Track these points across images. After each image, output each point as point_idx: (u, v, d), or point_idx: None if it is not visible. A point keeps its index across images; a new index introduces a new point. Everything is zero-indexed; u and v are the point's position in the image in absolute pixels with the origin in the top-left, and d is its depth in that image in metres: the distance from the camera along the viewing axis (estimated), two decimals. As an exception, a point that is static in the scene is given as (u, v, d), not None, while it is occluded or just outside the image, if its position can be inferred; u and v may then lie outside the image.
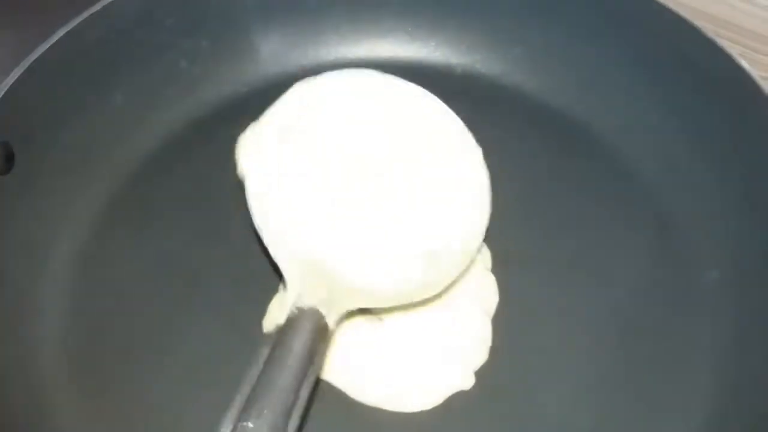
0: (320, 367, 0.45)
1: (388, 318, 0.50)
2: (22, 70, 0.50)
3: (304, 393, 0.42)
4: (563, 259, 0.53)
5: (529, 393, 0.48)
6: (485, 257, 0.52)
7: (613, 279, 0.52)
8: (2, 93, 0.49)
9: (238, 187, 0.56)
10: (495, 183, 0.55)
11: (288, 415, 0.41)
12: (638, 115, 0.58)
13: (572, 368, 0.49)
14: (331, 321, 0.45)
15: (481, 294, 0.51)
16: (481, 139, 0.58)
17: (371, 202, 0.49)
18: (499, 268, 0.52)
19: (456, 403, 0.48)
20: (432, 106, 0.53)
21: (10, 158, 0.49)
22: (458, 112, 0.59)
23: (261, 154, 0.50)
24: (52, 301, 0.51)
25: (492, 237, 0.52)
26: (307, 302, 0.45)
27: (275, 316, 0.50)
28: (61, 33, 0.52)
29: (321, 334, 0.44)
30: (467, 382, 0.48)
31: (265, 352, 0.43)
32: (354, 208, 0.49)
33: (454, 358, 0.49)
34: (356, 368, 0.48)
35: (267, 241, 0.49)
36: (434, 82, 0.60)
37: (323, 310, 0.45)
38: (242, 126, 0.58)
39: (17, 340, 0.48)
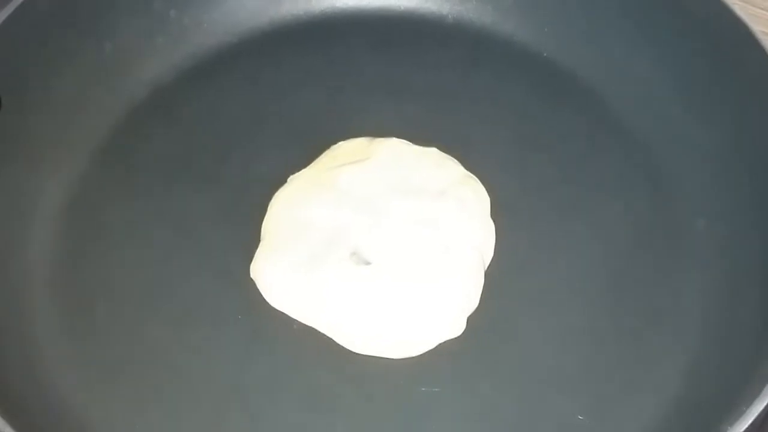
0: None
1: (377, 262, 0.50)
2: (7, 15, 0.49)
3: None
4: (555, 207, 0.53)
5: (518, 340, 0.48)
6: (485, 204, 0.52)
7: (604, 227, 0.52)
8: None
9: (226, 136, 0.56)
10: (488, 132, 0.56)
11: None
12: (629, 65, 0.58)
13: (562, 316, 0.49)
14: None
15: (477, 241, 0.51)
16: (471, 89, 0.58)
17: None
18: (494, 215, 0.52)
19: (446, 349, 0.48)
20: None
21: (-3, 100, 0.49)
22: (448, 63, 0.60)
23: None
24: (42, 247, 0.51)
25: (486, 184, 0.53)
26: None
27: (262, 263, 0.50)
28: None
29: None
30: (458, 328, 0.48)
31: None
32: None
33: (445, 305, 0.49)
34: (344, 314, 0.49)
35: None
36: (425, 30, 0.61)
37: None
38: (232, 77, 0.59)
39: (6, 288, 0.48)
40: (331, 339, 0.48)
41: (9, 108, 0.50)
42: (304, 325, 0.49)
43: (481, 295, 0.49)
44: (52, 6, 0.52)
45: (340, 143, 0.55)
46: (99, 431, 0.45)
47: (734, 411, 0.41)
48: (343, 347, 0.48)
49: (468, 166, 0.54)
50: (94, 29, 0.55)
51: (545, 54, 0.60)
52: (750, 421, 0.40)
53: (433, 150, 0.54)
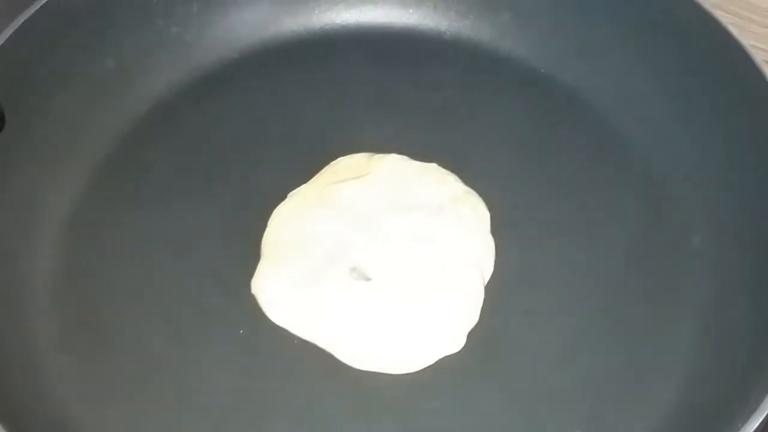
0: None
1: (377, 277, 0.50)
2: (11, 31, 0.50)
3: None
4: (554, 223, 0.53)
5: (517, 355, 0.49)
6: (484, 219, 0.53)
7: (602, 242, 0.53)
8: (-10, 54, 0.49)
9: (227, 151, 0.56)
10: (487, 147, 0.56)
11: None
12: (626, 81, 0.58)
13: (560, 330, 0.49)
14: None
15: (477, 257, 0.51)
16: (470, 105, 0.59)
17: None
18: (494, 231, 0.53)
19: (445, 365, 0.48)
20: None
21: (0, 118, 0.49)
22: (448, 79, 0.60)
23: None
24: (43, 261, 0.51)
25: (486, 200, 0.53)
26: None
27: (263, 278, 0.50)
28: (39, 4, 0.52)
29: None
30: (457, 344, 0.49)
31: None
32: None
33: (444, 320, 0.49)
34: (344, 330, 0.49)
35: None
36: (424, 47, 0.62)
37: None
38: (233, 93, 0.59)
39: (8, 299, 0.49)
40: (331, 354, 0.48)
41: (13, 123, 0.50)
42: (304, 340, 0.49)
43: (481, 310, 0.50)
44: (56, 23, 0.53)
45: (340, 159, 0.56)
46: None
47: (731, 424, 0.42)
48: (343, 363, 0.48)
49: (467, 181, 0.54)
50: (97, 46, 0.56)
51: (542, 70, 0.60)
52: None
53: (433, 166, 0.55)
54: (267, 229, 0.53)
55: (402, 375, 0.48)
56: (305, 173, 0.55)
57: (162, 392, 0.47)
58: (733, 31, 0.53)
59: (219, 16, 0.60)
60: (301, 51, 0.61)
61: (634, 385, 0.48)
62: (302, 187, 0.55)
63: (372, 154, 0.55)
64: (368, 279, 0.50)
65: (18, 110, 0.50)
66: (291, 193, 0.54)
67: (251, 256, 0.52)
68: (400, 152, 0.56)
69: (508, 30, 0.61)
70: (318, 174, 0.55)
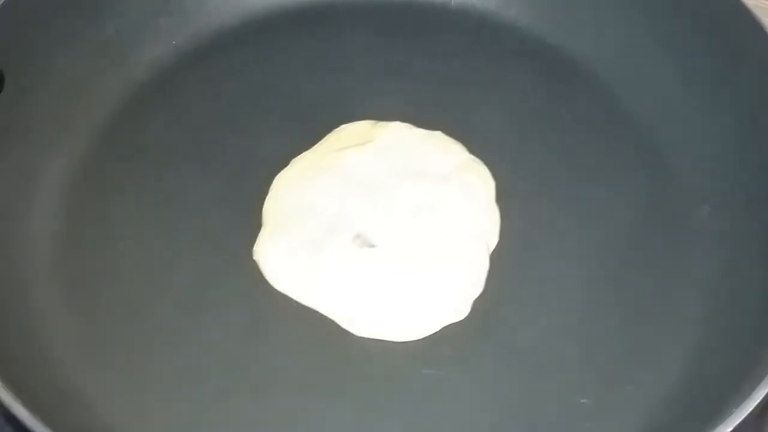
0: None
1: (381, 245, 0.50)
2: (11, -5, 0.49)
3: None
4: (560, 193, 0.53)
5: (522, 324, 0.48)
6: (490, 188, 0.52)
7: (608, 213, 0.52)
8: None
9: (228, 118, 0.56)
10: (492, 117, 0.56)
11: None
12: (633, 52, 0.58)
13: (564, 301, 0.49)
14: None
15: (482, 226, 0.51)
16: (475, 75, 0.58)
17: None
18: (499, 200, 0.52)
19: (449, 333, 0.48)
20: None
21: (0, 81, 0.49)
22: (453, 48, 0.60)
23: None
24: (44, 227, 0.51)
25: (490, 169, 0.53)
26: None
27: (265, 245, 0.50)
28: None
29: None
30: (462, 312, 0.48)
31: None
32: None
33: (449, 289, 0.49)
34: (347, 297, 0.49)
35: None
36: (429, 16, 0.61)
37: None
38: (234, 60, 0.58)
39: (10, 267, 0.48)
40: (333, 321, 0.48)
41: (12, 86, 0.49)
42: (307, 307, 0.49)
43: (486, 279, 0.49)
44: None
45: (344, 126, 0.55)
46: (101, 408, 0.45)
47: (736, 396, 0.41)
48: (346, 330, 0.48)
49: (472, 150, 0.54)
50: (97, 10, 0.55)
51: (548, 40, 0.60)
52: (751, 408, 0.40)
53: (438, 133, 0.54)
54: (269, 196, 0.52)
55: (405, 342, 0.48)
56: (308, 140, 0.55)
57: (164, 359, 0.47)
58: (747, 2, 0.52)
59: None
60: (305, 19, 0.60)
61: (640, 355, 0.48)
62: (305, 153, 0.54)
63: (376, 121, 0.55)
64: (372, 246, 0.50)
65: (18, 74, 0.50)
66: (293, 160, 0.54)
67: (253, 224, 0.51)
68: (404, 121, 0.55)
69: (513, 0, 0.61)
70: (321, 141, 0.55)
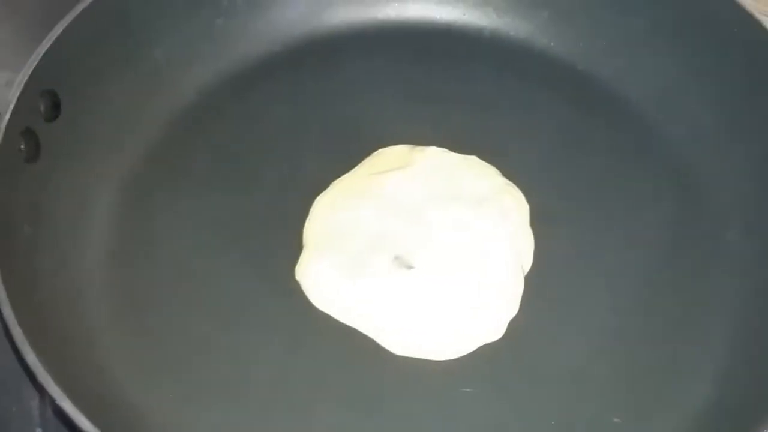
0: None
1: (420, 266, 0.51)
2: (67, 23, 0.51)
3: None
4: (591, 216, 0.54)
5: (556, 344, 0.50)
6: (524, 212, 0.54)
7: (638, 236, 0.54)
8: (49, 43, 0.50)
9: (269, 141, 0.58)
10: (524, 141, 0.58)
11: None
12: (662, 78, 0.59)
13: (598, 321, 0.51)
14: None
15: (517, 248, 0.52)
16: (508, 100, 0.60)
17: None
18: (533, 224, 0.54)
19: (485, 352, 0.49)
20: None
21: (57, 106, 0.51)
22: (485, 74, 0.61)
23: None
24: (94, 245, 0.53)
25: (527, 194, 0.55)
26: None
27: (307, 265, 0.52)
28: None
29: None
30: (497, 333, 0.50)
31: None
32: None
33: (485, 310, 0.50)
34: (386, 316, 0.50)
35: None
36: (462, 45, 0.63)
37: None
38: (275, 84, 0.60)
39: (65, 283, 0.50)
40: (372, 340, 0.50)
41: (67, 112, 0.52)
42: (347, 326, 0.50)
43: (521, 300, 0.51)
44: (108, 15, 0.54)
45: (381, 150, 0.57)
46: (149, 419, 0.47)
47: (764, 421, 0.43)
48: (384, 348, 0.50)
49: (506, 174, 0.55)
50: (145, 36, 0.57)
51: (579, 66, 0.61)
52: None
53: (473, 158, 0.56)
54: (309, 218, 0.54)
55: (442, 362, 0.49)
56: (346, 164, 0.56)
57: (207, 374, 0.49)
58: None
59: (263, 9, 0.61)
60: (342, 45, 0.62)
61: (670, 376, 0.49)
62: (343, 177, 0.56)
63: (413, 146, 0.57)
64: (411, 267, 0.51)
65: (72, 99, 0.52)
66: (333, 183, 0.55)
67: (294, 244, 0.53)
68: (439, 145, 0.57)
69: (545, 27, 0.62)
70: (359, 164, 0.56)
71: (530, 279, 0.52)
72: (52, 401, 0.41)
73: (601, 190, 0.56)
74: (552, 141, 0.58)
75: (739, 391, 0.48)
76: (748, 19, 0.54)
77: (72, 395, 0.41)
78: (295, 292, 0.51)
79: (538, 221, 0.54)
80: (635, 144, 0.58)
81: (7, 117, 0.47)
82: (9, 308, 0.43)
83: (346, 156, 0.57)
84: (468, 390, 0.48)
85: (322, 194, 0.55)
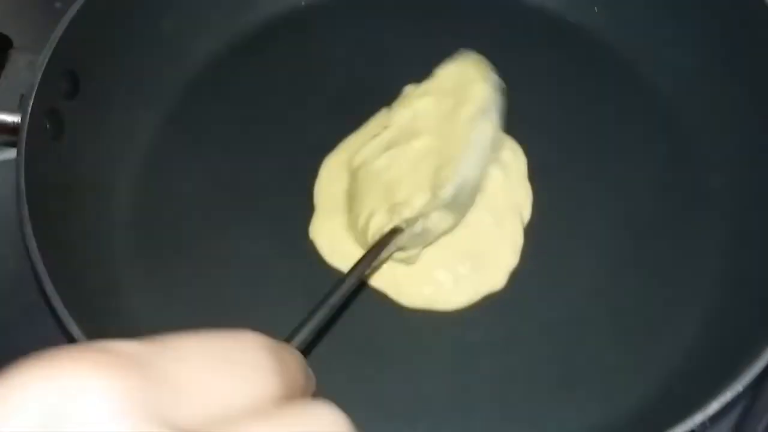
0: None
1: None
2: (81, 3, 0.53)
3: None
4: (586, 167, 0.57)
5: (553, 292, 0.53)
6: (522, 165, 0.56)
7: (631, 185, 0.57)
8: (66, 24, 0.52)
9: (279, 105, 0.60)
10: (518, 96, 0.58)
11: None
12: (654, 31, 0.61)
13: (592, 268, 0.54)
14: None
15: (517, 201, 0.55)
16: (505, 57, 0.61)
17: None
18: (530, 176, 0.57)
19: (488, 302, 0.53)
20: None
21: (76, 84, 0.53)
22: (480, 31, 0.63)
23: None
24: (119, 210, 0.56)
25: (524, 147, 0.57)
26: None
27: (320, 223, 0.55)
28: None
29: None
30: (499, 283, 0.53)
31: None
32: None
33: (488, 261, 0.53)
34: (395, 271, 0.53)
35: None
36: (463, 2, 0.64)
37: None
38: (281, 47, 0.63)
39: (92, 245, 0.54)
40: (384, 294, 0.53)
41: (85, 86, 0.54)
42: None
43: (521, 251, 0.54)
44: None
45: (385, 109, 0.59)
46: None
47: (751, 355, 0.46)
48: (395, 302, 0.53)
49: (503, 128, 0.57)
50: (154, 10, 0.59)
51: (574, 20, 0.63)
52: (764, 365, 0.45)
53: None
54: (318, 178, 0.57)
55: (449, 312, 0.53)
56: (354, 123, 0.59)
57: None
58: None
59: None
60: (346, 8, 0.64)
61: (661, 316, 0.53)
62: (351, 135, 0.58)
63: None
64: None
65: (89, 75, 0.54)
66: (341, 143, 0.58)
67: (308, 204, 0.56)
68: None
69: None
70: (365, 123, 0.59)
71: (528, 230, 0.55)
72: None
73: (593, 141, 0.58)
74: (544, 94, 0.60)
75: (726, 331, 0.51)
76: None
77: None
78: (309, 249, 0.55)
79: (533, 173, 0.57)
80: (626, 95, 0.61)
81: (32, 99, 0.50)
82: (46, 275, 0.46)
83: (354, 116, 0.59)
84: (473, 337, 0.52)
85: (330, 154, 0.58)
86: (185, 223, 0.56)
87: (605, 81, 0.61)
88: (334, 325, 0.51)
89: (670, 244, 0.55)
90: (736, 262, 0.54)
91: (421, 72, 0.60)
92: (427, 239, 0.52)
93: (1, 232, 0.59)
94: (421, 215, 0.50)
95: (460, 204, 0.52)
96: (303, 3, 0.64)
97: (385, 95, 0.59)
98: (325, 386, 0.49)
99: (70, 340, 0.46)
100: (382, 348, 0.52)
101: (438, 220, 0.51)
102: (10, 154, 0.54)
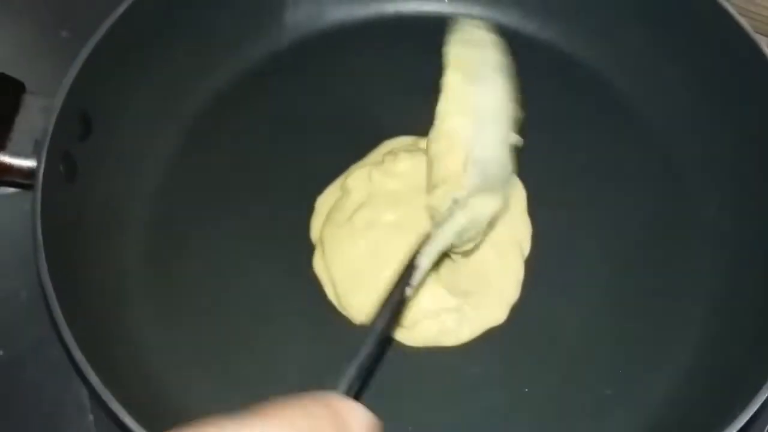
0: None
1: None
2: (92, 46, 0.54)
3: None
4: (581, 199, 0.59)
5: (554, 324, 0.55)
6: (522, 199, 0.58)
7: (626, 216, 0.58)
8: (77, 69, 0.53)
9: (280, 140, 0.62)
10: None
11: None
12: (647, 63, 0.63)
13: (590, 300, 0.55)
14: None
15: (517, 235, 0.56)
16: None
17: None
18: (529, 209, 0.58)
19: (487, 335, 0.54)
20: None
21: (88, 125, 0.54)
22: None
23: None
24: (131, 248, 0.57)
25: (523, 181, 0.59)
26: None
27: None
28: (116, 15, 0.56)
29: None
30: (501, 317, 0.54)
31: None
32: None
33: (490, 296, 0.54)
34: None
35: None
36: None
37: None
38: (281, 81, 0.64)
39: (105, 283, 0.55)
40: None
41: (98, 129, 0.55)
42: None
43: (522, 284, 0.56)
44: (128, 34, 0.57)
45: (386, 142, 0.60)
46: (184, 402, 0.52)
47: (742, 388, 0.48)
48: (398, 341, 0.54)
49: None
50: (160, 51, 0.60)
51: (568, 51, 0.65)
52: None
53: None
54: (314, 215, 0.58)
55: (451, 348, 0.54)
56: (354, 154, 0.60)
57: (240, 361, 0.54)
58: (743, 22, 0.58)
59: (269, 10, 0.65)
60: (346, 40, 0.65)
61: (657, 345, 0.54)
62: (351, 168, 0.59)
63: (417, 137, 0.60)
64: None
65: (101, 116, 0.56)
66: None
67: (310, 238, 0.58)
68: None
69: (534, 14, 0.66)
70: (366, 156, 0.60)
71: (528, 263, 0.56)
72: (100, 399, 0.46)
73: (588, 173, 0.60)
74: (540, 126, 0.59)
75: (719, 361, 0.53)
76: (722, 13, 0.58)
77: (116, 394, 0.46)
78: (313, 284, 0.56)
79: (533, 207, 0.58)
80: (620, 127, 0.62)
81: (46, 144, 0.51)
82: (59, 311, 0.48)
83: (353, 148, 0.60)
84: (477, 370, 0.53)
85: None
86: (196, 255, 0.57)
87: (599, 111, 0.63)
88: (332, 356, 0.52)
89: (664, 274, 0.57)
90: (727, 291, 0.56)
91: (419, 105, 0.61)
92: (481, 226, 0.51)
93: (10, 265, 0.61)
94: (453, 211, 0.49)
95: (494, 180, 0.51)
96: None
97: (384, 128, 0.61)
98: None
99: (78, 371, 0.47)
100: (382, 381, 0.52)
101: (480, 205, 0.50)
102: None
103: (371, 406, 0.51)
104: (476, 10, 0.66)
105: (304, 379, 0.52)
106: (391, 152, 0.59)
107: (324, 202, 0.59)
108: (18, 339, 0.58)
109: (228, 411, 0.50)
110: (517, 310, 0.55)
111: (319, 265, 0.56)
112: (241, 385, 0.53)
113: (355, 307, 0.54)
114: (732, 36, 0.58)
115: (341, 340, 0.54)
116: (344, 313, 0.55)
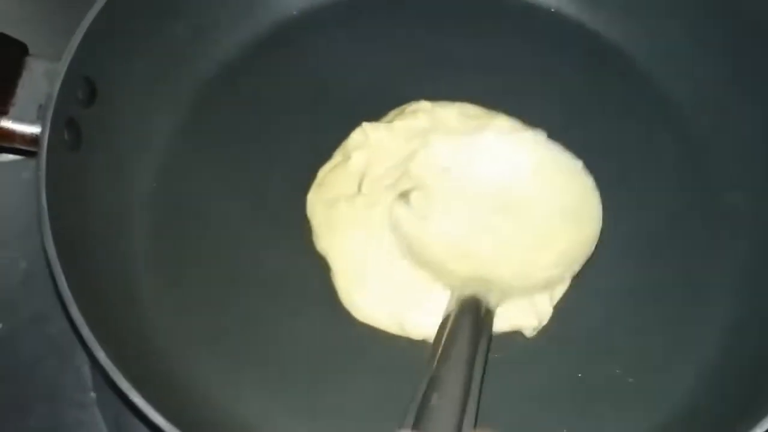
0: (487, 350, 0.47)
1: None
2: (97, 11, 0.52)
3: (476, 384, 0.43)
4: (603, 180, 0.55)
5: (575, 311, 0.53)
6: None
7: (647, 201, 0.56)
8: (83, 32, 0.51)
9: (290, 107, 0.60)
10: (535, 102, 0.59)
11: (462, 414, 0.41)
12: (671, 40, 0.61)
13: (611, 287, 0.54)
14: (492, 303, 0.48)
15: None
16: (519, 63, 0.61)
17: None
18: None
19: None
20: None
21: (93, 91, 0.52)
22: (495, 35, 0.63)
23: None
24: (137, 219, 0.55)
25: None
26: (466, 292, 0.48)
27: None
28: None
29: (486, 319, 0.47)
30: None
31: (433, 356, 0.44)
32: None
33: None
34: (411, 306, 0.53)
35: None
36: (476, 5, 0.64)
37: (482, 297, 0.48)
38: (292, 49, 0.62)
39: (111, 252, 0.53)
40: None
41: (102, 91, 0.53)
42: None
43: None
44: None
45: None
46: (195, 388, 0.51)
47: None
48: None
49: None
50: (168, 13, 0.58)
51: (588, 26, 0.63)
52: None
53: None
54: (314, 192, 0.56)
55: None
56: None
57: (246, 346, 0.52)
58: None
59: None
60: (358, 10, 0.63)
61: (680, 334, 0.53)
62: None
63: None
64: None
65: (105, 82, 0.53)
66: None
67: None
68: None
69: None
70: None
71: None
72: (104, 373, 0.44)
73: (609, 152, 0.57)
74: (561, 101, 0.60)
75: (744, 349, 0.51)
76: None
77: (121, 368, 0.44)
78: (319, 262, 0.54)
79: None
80: (642, 105, 0.60)
81: (51, 109, 0.49)
82: (65, 283, 0.45)
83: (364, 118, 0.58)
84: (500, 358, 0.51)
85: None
86: (202, 230, 0.55)
87: (621, 89, 0.61)
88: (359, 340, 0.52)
89: (686, 260, 0.55)
90: (751, 276, 0.54)
91: (430, 76, 0.60)
92: None
93: (9, 234, 0.59)
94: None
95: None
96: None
97: (395, 98, 0.59)
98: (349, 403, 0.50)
99: (84, 347, 0.45)
100: (398, 370, 0.51)
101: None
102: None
103: (386, 387, 0.50)
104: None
105: (311, 357, 0.52)
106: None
107: (326, 171, 0.57)
108: (17, 311, 0.57)
109: (234, 388, 0.50)
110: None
111: (321, 244, 0.55)
112: (249, 363, 0.51)
113: (357, 306, 0.53)
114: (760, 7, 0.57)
115: (350, 318, 0.53)
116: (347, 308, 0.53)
